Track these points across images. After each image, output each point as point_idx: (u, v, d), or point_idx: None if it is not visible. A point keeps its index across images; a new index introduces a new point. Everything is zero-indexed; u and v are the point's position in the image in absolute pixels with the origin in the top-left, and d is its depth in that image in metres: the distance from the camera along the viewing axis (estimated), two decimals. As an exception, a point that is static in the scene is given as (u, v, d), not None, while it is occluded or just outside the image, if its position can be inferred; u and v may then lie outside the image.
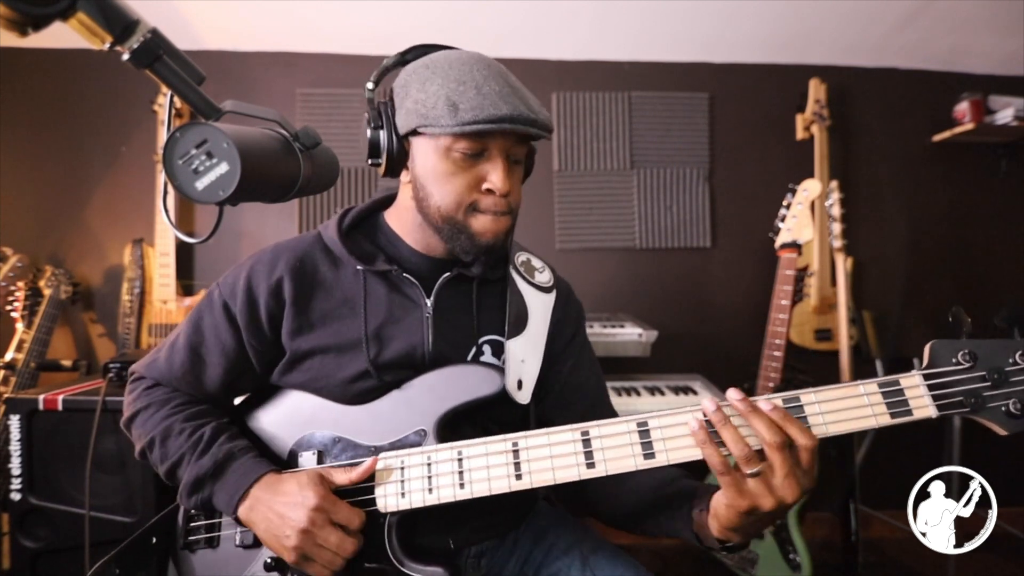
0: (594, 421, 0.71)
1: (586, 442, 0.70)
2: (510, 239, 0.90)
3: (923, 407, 0.64)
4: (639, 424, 0.69)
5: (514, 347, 0.83)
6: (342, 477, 0.73)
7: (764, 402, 0.64)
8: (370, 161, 0.79)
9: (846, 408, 0.65)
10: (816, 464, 0.63)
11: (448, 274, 0.84)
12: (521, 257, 0.92)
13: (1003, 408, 0.63)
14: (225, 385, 0.84)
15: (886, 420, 0.64)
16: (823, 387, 0.66)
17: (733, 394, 0.64)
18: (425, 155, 0.77)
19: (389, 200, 0.90)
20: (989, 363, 0.64)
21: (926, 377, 0.65)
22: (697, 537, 0.73)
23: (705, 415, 0.64)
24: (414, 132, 0.76)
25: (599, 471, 0.69)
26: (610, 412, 0.92)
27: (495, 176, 0.76)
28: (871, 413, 0.64)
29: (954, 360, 0.65)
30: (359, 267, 0.82)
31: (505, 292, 0.87)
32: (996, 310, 1.72)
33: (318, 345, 0.81)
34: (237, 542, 0.79)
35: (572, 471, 0.70)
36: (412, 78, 0.77)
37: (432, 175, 0.77)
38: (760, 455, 0.62)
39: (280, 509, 0.71)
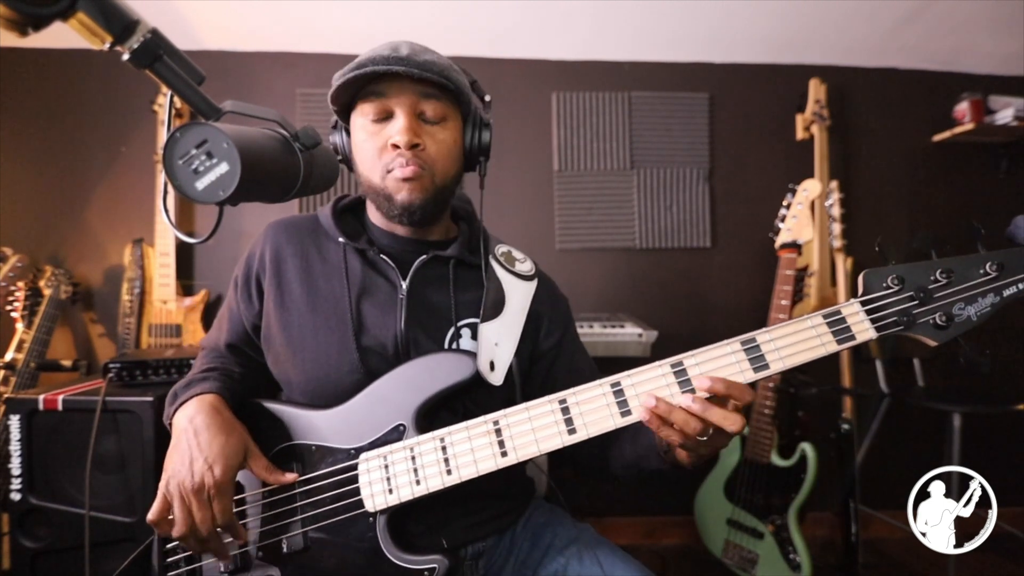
0: (568, 390, 0.73)
1: (564, 409, 0.72)
2: (441, 203, 0.88)
3: (864, 331, 0.69)
4: (612, 384, 0.71)
5: (488, 330, 0.85)
6: (265, 475, 0.75)
7: (684, 397, 0.67)
8: (339, 158, 0.88)
9: (798, 341, 0.69)
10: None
11: (424, 256, 0.87)
12: (501, 249, 0.96)
13: (931, 322, 0.69)
14: (237, 346, 0.92)
15: (834, 347, 0.69)
16: (775, 326, 0.70)
17: (648, 400, 0.68)
18: (352, 135, 0.86)
19: None
20: (915, 284, 0.70)
21: (863, 304, 0.70)
22: (673, 466, 0.78)
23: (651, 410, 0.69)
24: (337, 112, 0.87)
25: (580, 436, 0.70)
26: None
27: (394, 129, 0.80)
28: (820, 343, 0.69)
29: (884, 285, 0.70)
30: (341, 239, 0.87)
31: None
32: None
33: (299, 308, 0.85)
34: (221, 568, 0.77)
35: (555, 440, 0.71)
36: None
37: (356, 150, 0.85)
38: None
39: (189, 446, 0.71)
